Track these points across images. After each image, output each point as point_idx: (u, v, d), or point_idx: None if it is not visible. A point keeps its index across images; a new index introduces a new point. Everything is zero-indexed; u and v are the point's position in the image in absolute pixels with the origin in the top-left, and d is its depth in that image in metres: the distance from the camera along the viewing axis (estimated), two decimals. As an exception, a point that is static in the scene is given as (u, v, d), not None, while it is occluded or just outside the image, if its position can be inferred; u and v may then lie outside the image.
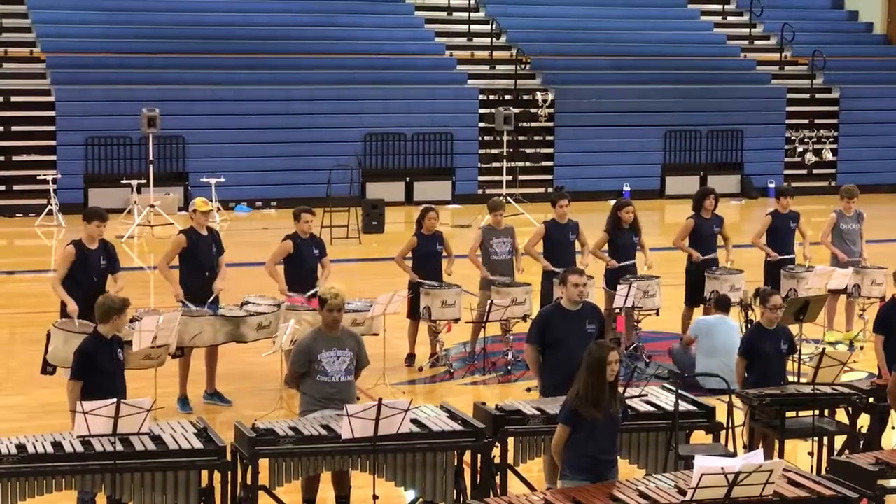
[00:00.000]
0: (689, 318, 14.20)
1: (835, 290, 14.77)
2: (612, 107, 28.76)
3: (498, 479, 8.98)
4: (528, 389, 12.48)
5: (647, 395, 9.59)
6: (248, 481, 8.50)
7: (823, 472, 9.01)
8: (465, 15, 30.48)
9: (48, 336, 11.00)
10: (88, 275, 11.45)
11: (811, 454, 9.86)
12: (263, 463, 8.46)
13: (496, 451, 8.98)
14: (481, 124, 27.92)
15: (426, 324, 13.75)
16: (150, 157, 24.08)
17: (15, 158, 25.38)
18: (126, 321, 9.55)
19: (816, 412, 9.95)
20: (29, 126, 25.51)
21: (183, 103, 25.96)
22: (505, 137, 26.59)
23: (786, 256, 14.93)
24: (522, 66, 29.17)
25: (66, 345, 10.55)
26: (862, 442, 9.98)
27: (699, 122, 29.32)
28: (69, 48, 26.74)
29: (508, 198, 24.39)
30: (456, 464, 8.82)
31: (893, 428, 10.42)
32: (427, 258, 13.83)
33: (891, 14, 33.51)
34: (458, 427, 8.86)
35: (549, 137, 28.64)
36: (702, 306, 14.32)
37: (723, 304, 13.27)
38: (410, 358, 13.93)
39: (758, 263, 15.27)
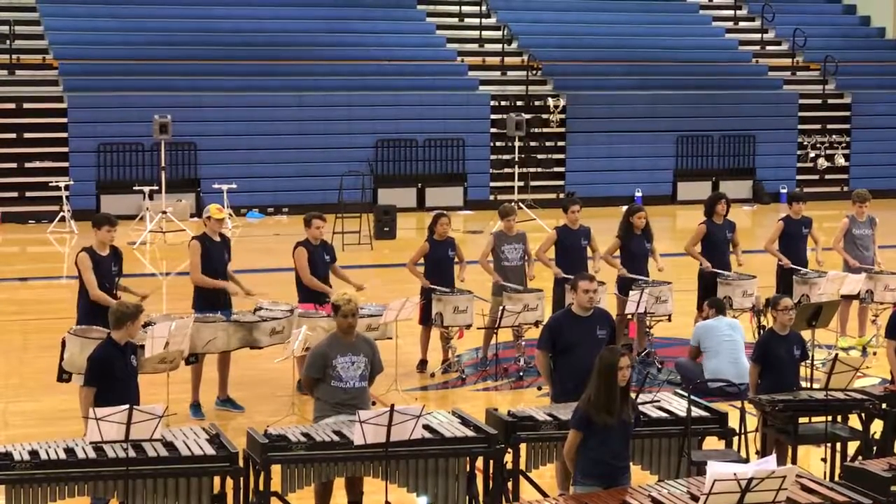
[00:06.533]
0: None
1: (847, 295, 14.73)
2: (623, 112, 28.76)
3: (510, 484, 8.99)
4: (539, 388, 12.62)
5: (659, 401, 9.58)
6: (261, 487, 8.50)
7: (837, 479, 8.99)
8: (476, 21, 30.49)
9: (63, 343, 10.99)
10: (100, 281, 11.44)
11: (824, 460, 9.84)
12: (275, 469, 8.46)
13: (508, 457, 8.98)
14: (493, 130, 27.93)
15: (438, 330, 13.75)
16: (162, 164, 24.14)
17: (27, 165, 25.45)
18: (139, 327, 9.55)
19: (829, 418, 9.93)
20: (41, 133, 25.58)
21: (195, 110, 26.03)
22: (517, 143, 26.58)
23: (797, 266, 14.91)
24: (534, 71, 29.17)
25: (83, 352, 10.50)
26: (875, 448, 9.95)
27: (711, 127, 29.29)
28: (81, 55, 26.83)
29: (520, 204, 24.42)
30: (468, 470, 8.82)
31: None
32: (439, 264, 13.82)
33: (903, 19, 33.49)
34: (470, 433, 8.86)
35: (560, 143, 28.63)
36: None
37: (717, 306, 13.29)
38: (422, 364, 13.93)
39: (770, 269, 15.24)
